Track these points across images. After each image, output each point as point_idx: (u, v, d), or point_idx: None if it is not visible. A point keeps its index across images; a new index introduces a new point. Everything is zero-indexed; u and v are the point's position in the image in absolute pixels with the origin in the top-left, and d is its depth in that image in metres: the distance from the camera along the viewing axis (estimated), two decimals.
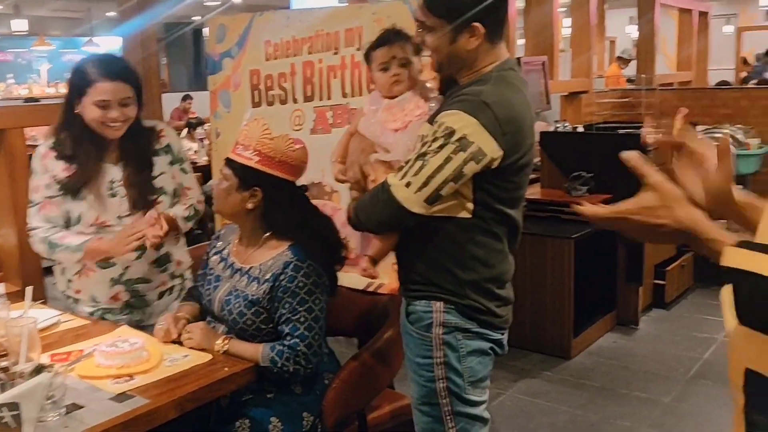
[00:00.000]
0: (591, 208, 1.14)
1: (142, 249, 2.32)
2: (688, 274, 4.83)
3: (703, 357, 3.83)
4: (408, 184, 1.69)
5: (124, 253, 2.22)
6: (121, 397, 1.69)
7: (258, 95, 3.04)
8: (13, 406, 1.43)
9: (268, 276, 2.01)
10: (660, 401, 3.35)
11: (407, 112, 1.87)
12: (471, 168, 1.67)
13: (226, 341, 1.98)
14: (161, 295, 2.41)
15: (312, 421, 2.04)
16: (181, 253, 2.47)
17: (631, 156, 1.11)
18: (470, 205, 1.75)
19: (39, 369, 1.65)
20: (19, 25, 11.12)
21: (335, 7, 2.86)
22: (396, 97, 1.92)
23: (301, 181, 2.11)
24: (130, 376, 1.79)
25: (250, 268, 2.07)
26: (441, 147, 1.66)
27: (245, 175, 2.02)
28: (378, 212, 1.76)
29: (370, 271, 1.94)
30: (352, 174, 1.91)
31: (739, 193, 1.24)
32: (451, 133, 1.66)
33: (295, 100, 2.91)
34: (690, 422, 3.16)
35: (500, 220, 1.79)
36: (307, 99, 2.87)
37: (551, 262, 3.80)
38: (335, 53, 2.76)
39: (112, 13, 13.71)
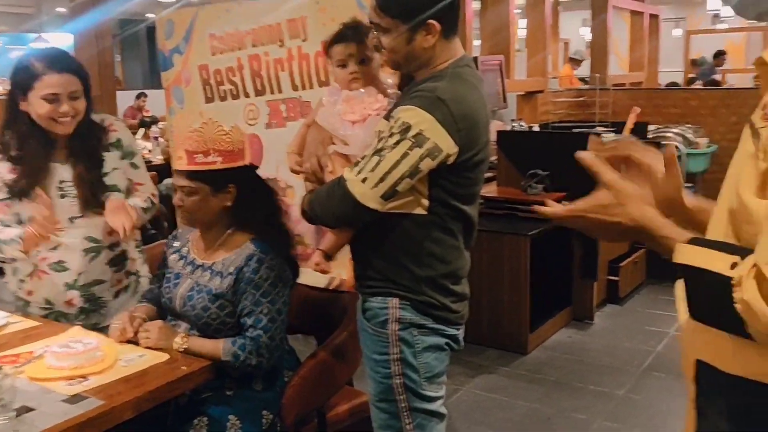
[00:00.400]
0: (550, 209, 1.16)
1: (95, 251, 2.27)
2: (641, 270, 4.94)
3: (655, 350, 3.92)
4: (364, 180, 1.69)
5: (53, 231, 2.16)
6: (75, 398, 1.65)
7: (210, 90, 3.00)
8: None
9: (231, 269, 2.01)
10: (614, 394, 3.42)
11: (366, 105, 1.87)
12: (427, 164, 1.68)
13: (186, 338, 1.96)
14: (117, 294, 2.36)
15: (271, 419, 2.03)
16: (135, 250, 2.43)
17: (585, 155, 1.13)
18: (426, 202, 1.76)
19: None
20: None
21: None
22: None
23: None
24: (84, 377, 1.75)
25: (213, 263, 2.06)
26: (397, 143, 1.66)
27: (215, 179, 1.99)
28: (334, 207, 1.76)
29: (322, 266, 1.94)
30: (309, 165, 1.90)
31: (689, 197, 1.27)
32: (408, 128, 1.66)
33: (246, 95, 2.87)
34: (643, 414, 3.23)
35: (456, 216, 1.81)
36: (259, 93, 2.84)
37: (508, 258, 3.85)
38: (281, 45, 2.72)
39: (62, 9, 13.38)
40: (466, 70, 1.79)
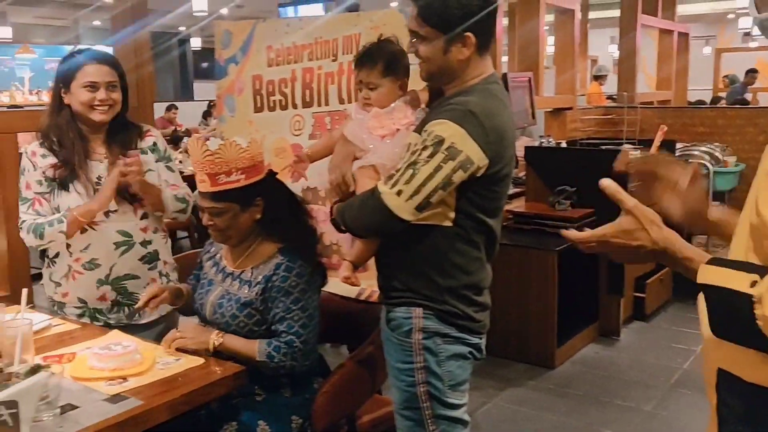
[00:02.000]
0: (574, 233, 1.23)
1: (127, 245, 2.35)
2: (667, 287, 4.91)
3: (682, 367, 3.90)
4: (399, 193, 1.73)
5: (109, 199, 2.27)
6: (116, 398, 1.70)
7: (260, 100, 3.08)
8: (11, 404, 1.43)
9: (259, 278, 2.05)
10: (641, 409, 3.40)
11: (395, 121, 1.92)
12: (459, 176, 1.73)
13: (221, 335, 2.01)
14: None
15: (300, 425, 2.06)
16: (167, 253, 2.50)
17: (607, 184, 1.20)
18: (452, 214, 1.81)
19: (35, 369, 1.66)
20: (4, 32, 11.07)
21: (334, 15, 2.91)
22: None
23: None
24: (124, 378, 1.80)
25: (242, 272, 2.11)
26: (431, 156, 1.71)
27: (242, 196, 2.03)
28: (366, 218, 1.81)
29: (352, 279, 1.97)
30: (333, 178, 1.95)
31: (715, 210, 1.32)
32: (441, 141, 1.71)
33: (294, 106, 2.94)
34: (670, 429, 3.22)
35: (480, 229, 1.85)
36: (306, 105, 2.91)
37: (536, 273, 3.85)
38: (334, 60, 2.80)
39: (97, 23, 13.68)
40: (496, 87, 1.84)
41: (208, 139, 2.01)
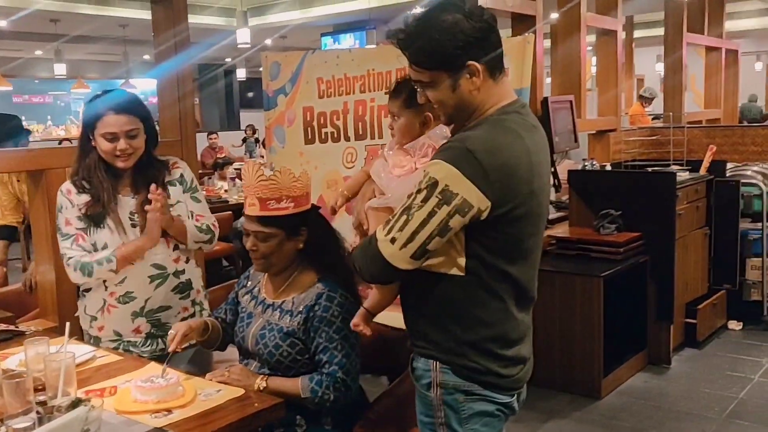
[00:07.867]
0: None
1: (161, 277, 2.39)
2: (721, 312, 4.75)
3: (738, 397, 3.75)
4: (393, 240, 1.61)
5: (158, 235, 2.32)
6: (156, 431, 1.71)
7: (311, 132, 3.08)
8: None
9: (301, 308, 2.07)
10: None
11: (416, 159, 1.86)
12: (457, 221, 1.58)
13: (265, 379, 2.03)
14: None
15: None
16: (199, 282, 2.54)
17: None
18: (462, 262, 1.64)
19: (75, 403, 1.69)
20: (59, 69, 11.49)
21: (386, 46, 2.90)
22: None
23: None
24: (169, 410, 1.81)
25: (283, 302, 2.12)
26: (425, 200, 1.58)
27: (288, 224, 2.06)
28: (369, 266, 1.69)
29: (361, 327, 1.89)
30: (354, 220, 1.91)
31: None
32: (435, 184, 1.57)
33: (347, 138, 2.93)
34: None
35: (498, 277, 1.66)
36: (359, 137, 2.89)
37: (580, 300, 3.77)
38: (387, 92, 2.81)
39: (147, 57, 14.11)
40: (512, 117, 1.66)
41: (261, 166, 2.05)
